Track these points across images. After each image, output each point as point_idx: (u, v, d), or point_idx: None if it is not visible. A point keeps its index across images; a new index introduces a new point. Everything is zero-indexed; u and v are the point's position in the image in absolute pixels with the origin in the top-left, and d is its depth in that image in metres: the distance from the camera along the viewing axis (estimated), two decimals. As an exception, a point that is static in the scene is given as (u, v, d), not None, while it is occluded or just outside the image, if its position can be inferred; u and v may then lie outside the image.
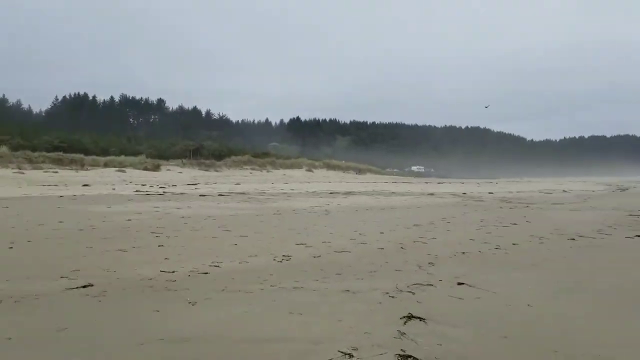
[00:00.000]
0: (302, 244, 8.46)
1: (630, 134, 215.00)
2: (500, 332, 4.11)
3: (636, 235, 10.09)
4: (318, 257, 7.42)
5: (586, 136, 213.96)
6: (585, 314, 4.70)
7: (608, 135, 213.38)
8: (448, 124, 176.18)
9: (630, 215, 14.88)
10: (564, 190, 34.02)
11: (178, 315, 4.48)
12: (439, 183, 48.34)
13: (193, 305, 4.81)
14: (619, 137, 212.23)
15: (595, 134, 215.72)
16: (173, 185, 28.79)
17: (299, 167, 58.96)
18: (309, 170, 58.04)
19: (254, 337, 3.91)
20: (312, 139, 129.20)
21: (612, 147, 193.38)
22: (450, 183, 49.16)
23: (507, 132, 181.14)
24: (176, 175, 40.95)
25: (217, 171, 48.53)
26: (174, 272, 6.23)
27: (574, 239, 9.54)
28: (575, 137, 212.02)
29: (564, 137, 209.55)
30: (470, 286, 5.65)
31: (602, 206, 19.02)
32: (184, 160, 51.99)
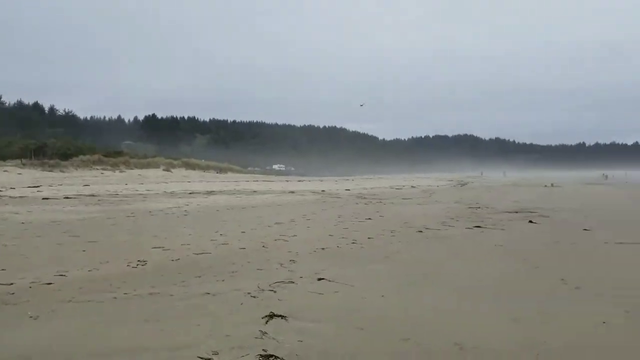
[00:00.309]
0: (159, 247, 8.10)
1: (469, 134, 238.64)
2: (357, 324, 4.28)
3: (475, 226, 11.15)
4: (176, 260, 7.15)
5: (431, 135, 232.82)
6: (432, 303, 5.07)
7: (450, 135, 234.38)
8: (307, 124, 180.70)
9: (469, 207, 16.43)
10: (412, 186, 36.59)
11: (17, 332, 4.04)
12: (299, 181, 49.30)
13: (35, 319, 4.36)
14: (459, 136, 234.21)
15: (439, 133, 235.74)
16: (11, 188, 25.93)
17: (156, 166, 56.41)
18: (167, 170, 55.83)
19: (105, 350, 3.64)
20: (169, 137, 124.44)
21: (453, 146, 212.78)
22: (309, 181, 50.39)
23: (361, 132, 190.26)
24: (15, 177, 36.98)
25: (63, 172, 44.67)
26: (12, 284, 5.60)
27: (421, 232, 10.28)
28: (421, 137, 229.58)
29: (412, 137, 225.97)
30: (330, 281, 5.82)
31: (445, 200, 20.77)
32: (23, 161, 47.11)
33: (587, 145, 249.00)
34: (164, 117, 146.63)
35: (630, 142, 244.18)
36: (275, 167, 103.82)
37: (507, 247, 8.45)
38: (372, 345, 3.84)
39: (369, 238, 9.32)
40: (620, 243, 8.82)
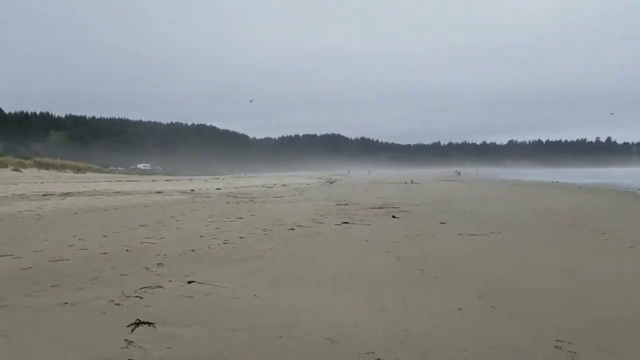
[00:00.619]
0: (8, 255, 7.31)
1: (336, 133, 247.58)
2: (230, 326, 4.21)
3: (343, 222, 11.55)
4: (29, 269, 6.50)
5: (301, 135, 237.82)
6: (305, 299, 5.16)
7: (319, 134, 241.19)
8: (174, 121, 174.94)
9: (338, 204, 16.98)
10: (283, 185, 36.98)
11: None
12: (166, 180, 47.54)
13: None
14: (327, 135, 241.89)
15: (309, 132, 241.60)
16: None
17: (3, 166, 51.07)
18: (16, 170, 50.81)
19: (-60, 376, 3.20)
20: (19, 134, 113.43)
21: (322, 145, 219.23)
22: (178, 180, 48.85)
23: (231, 130, 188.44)
24: None
25: None
26: None
27: (293, 229, 10.41)
28: (291, 136, 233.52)
29: (282, 136, 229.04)
30: (201, 283, 5.67)
31: (315, 198, 21.26)
32: None
33: (442, 144, 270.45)
34: (12, 112, 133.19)
35: (479, 142, 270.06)
36: (141, 166, 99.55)
37: (373, 241, 8.85)
38: (245, 345, 3.80)
39: (240, 237, 9.23)
40: (472, 235, 9.66)
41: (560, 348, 3.75)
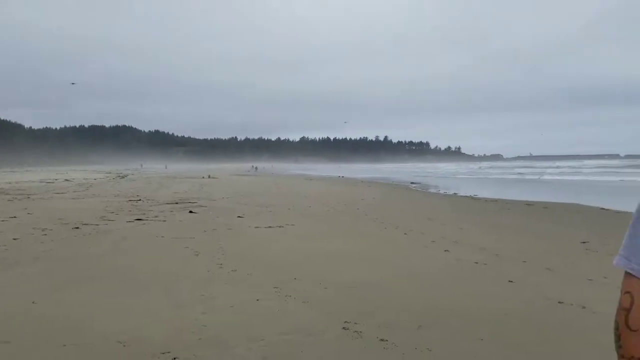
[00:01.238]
0: None
1: (128, 125, 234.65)
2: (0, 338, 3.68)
3: (136, 219, 10.94)
4: None
5: (86, 125, 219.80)
6: (93, 301, 4.77)
7: (107, 126, 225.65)
8: None
9: (130, 200, 16.04)
10: (66, 180, 33.67)
11: None
12: None
13: None
14: (117, 127, 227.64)
15: (96, 124, 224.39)
16: None
17: None
18: None
19: None
20: None
21: (111, 137, 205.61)
22: None
23: (1, 118, 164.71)
24: None
25: None
26: None
27: (78, 228, 9.54)
28: (76, 126, 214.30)
29: (65, 126, 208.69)
30: (-39, 293, 4.85)
31: (104, 194, 19.78)
32: None
33: (239, 139, 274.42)
34: None
35: (274, 138, 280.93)
36: None
37: (169, 238, 8.56)
38: (20, 359, 3.35)
39: (14, 239, 8.15)
40: (269, 227, 9.96)
41: (347, 329, 4.05)
